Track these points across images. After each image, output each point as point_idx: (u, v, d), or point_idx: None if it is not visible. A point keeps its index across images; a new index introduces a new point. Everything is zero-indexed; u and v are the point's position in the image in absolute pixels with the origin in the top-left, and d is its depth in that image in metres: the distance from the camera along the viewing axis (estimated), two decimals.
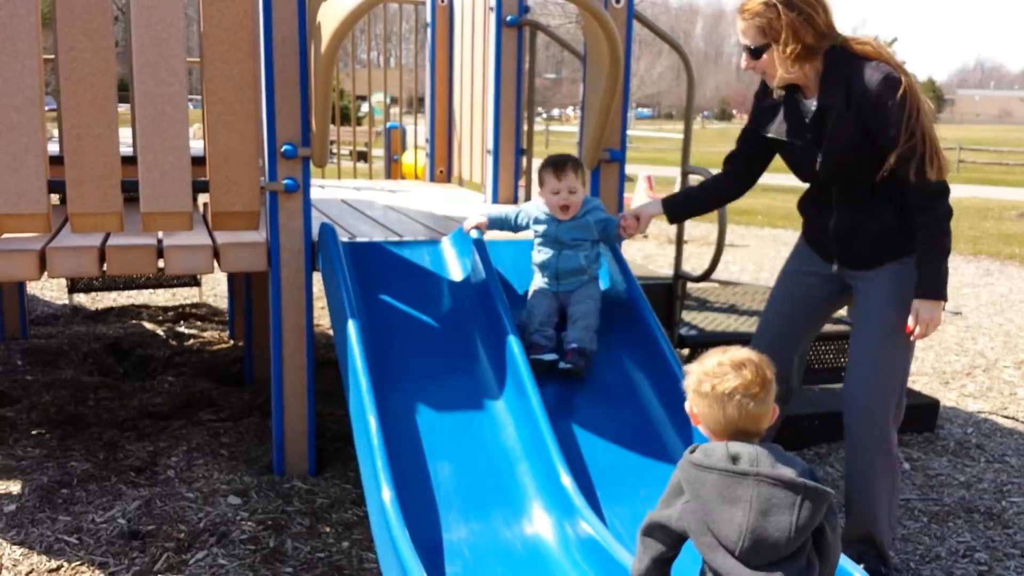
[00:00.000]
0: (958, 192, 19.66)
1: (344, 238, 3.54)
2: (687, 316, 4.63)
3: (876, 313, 2.90)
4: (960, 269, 9.56)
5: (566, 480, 2.70)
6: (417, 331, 3.24)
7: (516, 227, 3.37)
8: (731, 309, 4.98)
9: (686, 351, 4.39)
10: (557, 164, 3.18)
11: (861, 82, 2.70)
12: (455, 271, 3.45)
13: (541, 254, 3.28)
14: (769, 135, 3.01)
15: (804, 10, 2.69)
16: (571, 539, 2.61)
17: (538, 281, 3.29)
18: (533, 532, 2.68)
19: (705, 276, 4.31)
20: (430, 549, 2.53)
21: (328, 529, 3.16)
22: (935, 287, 2.75)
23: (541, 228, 3.27)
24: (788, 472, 1.78)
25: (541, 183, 3.24)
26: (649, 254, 9.87)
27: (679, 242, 4.53)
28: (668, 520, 1.87)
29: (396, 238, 3.73)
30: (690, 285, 5.53)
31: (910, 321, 2.78)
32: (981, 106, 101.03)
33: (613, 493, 2.92)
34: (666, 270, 4.43)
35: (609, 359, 3.32)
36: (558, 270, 3.23)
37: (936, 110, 64.62)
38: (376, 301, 3.28)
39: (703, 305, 5.06)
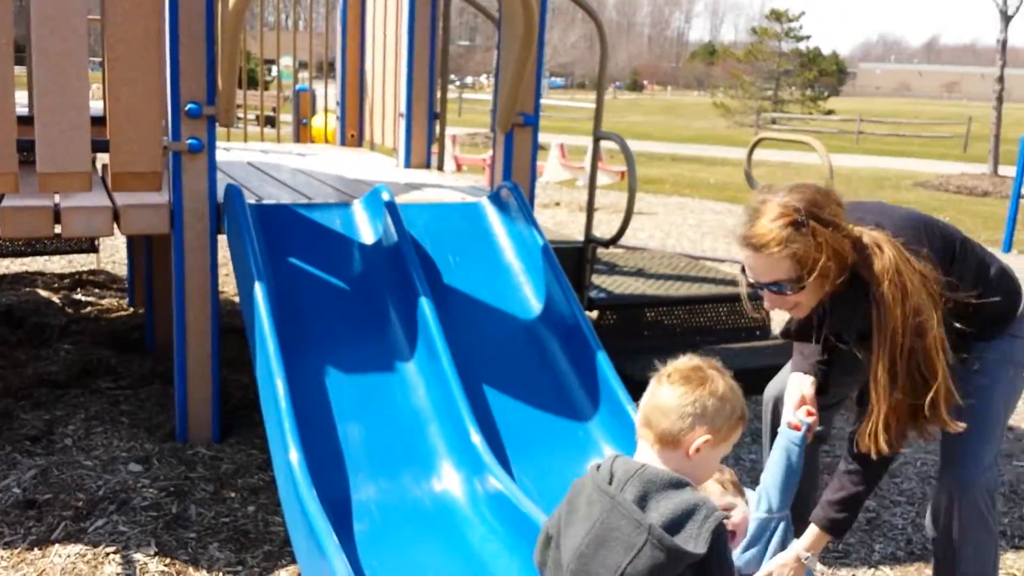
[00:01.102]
0: (857, 163, 20.36)
1: (251, 200, 3.47)
2: (597, 280, 4.71)
3: None
4: None
5: (476, 438, 2.73)
6: (327, 295, 3.20)
7: None
8: (639, 273, 5.08)
9: (595, 313, 4.46)
10: None
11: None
12: (366, 234, 3.42)
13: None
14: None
15: (826, 213, 2.02)
16: (480, 495, 2.64)
17: None
18: (442, 489, 2.70)
19: (614, 240, 4.39)
20: (338, 509, 2.53)
21: (233, 494, 3.12)
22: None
23: None
24: (654, 511, 1.56)
25: None
26: (560, 220, 9.95)
27: (590, 208, 4.59)
28: (546, 522, 1.79)
29: (305, 201, 3.67)
30: (600, 250, 5.64)
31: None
32: (882, 79, 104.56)
33: (522, 451, 2.97)
34: (578, 236, 4.48)
35: (520, 321, 3.35)
36: None
37: (838, 83, 66.24)
38: (284, 264, 3.22)
39: (612, 269, 5.14)
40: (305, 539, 2.30)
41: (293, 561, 2.67)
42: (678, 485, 1.59)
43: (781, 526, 2.27)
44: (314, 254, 3.26)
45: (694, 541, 1.53)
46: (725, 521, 2.23)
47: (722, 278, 5.12)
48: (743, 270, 2.15)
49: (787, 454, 2.28)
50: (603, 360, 3.14)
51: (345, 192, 4.02)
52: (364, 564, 2.43)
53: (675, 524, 1.54)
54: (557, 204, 11.40)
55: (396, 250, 3.23)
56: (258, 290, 2.89)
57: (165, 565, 2.71)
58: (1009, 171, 11.03)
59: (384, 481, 2.70)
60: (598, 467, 1.69)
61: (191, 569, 2.71)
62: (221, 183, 3.45)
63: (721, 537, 1.56)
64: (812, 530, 2.21)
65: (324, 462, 2.63)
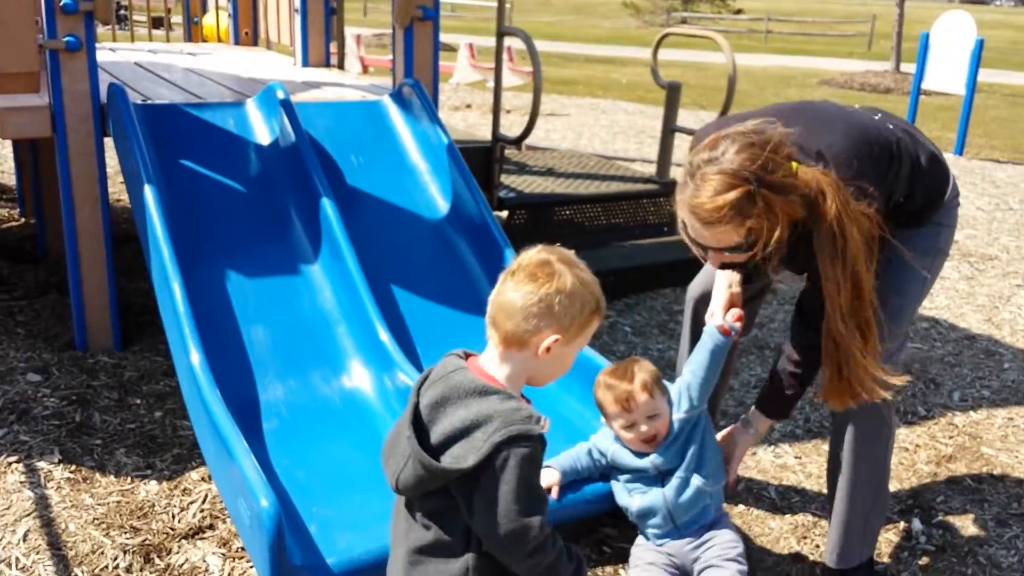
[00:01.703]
0: (765, 61, 20.47)
1: (138, 101, 3.31)
2: (506, 179, 4.69)
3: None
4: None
5: (384, 336, 2.74)
6: (223, 198, 3.12)
7: (595, 469, 2.42)
8: (549, 172, 5.09)
9: (504, 213, 4.47)
10: (616, 390, 2.25)
11: None
12: (262, 134, 3.32)
13: (636, 495, 2.32)
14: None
15: (777, 177, 1.88)
16: (390, 390, 2.67)
17: (645, 558, 2.29)
18: (352, 387, 2.72)
19: (521, 139, 4.36)
20: (245, 409, 2.52)
21: (139, 401, 3.08)
22: None
23: (631, 462, 2.33)
24: (444, 420, 1.49)
25: (600, 408, 2.32)
26: (473, 123, 9.83)
27: (496, 107, 4.53)
28: None
29: (196, 101, 3.52)
30: (510, 151, 5.60)
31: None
32: None
33: (432, 349, 2.99)
34: (488, 136, 4.42)
35: (427, 221, 3.33)
36: (671, 512, 2.28)
37: None
38: (176, 167, 3.11)
39: (522, 169, 5.13)
40: (212, 440, 2.29)
41: (203, 463, 2.66)
42: (483, 393, 1.49)
43: (702, 421, 2.34)
44: (207, 156, 3.16)
45: (469, 456, 1.44)
46: (625, 434, 2.26)
47: (632, 176, 5.17)
48: (683, 226, 1.99)
49: (712, 356, 2.31)
50: (511, 257, 3.16)
51: (239, 92, 3.87)
52: (274, 462, 2.44)
53: (460, 434, 1.46)
54: (468, 106, 11.24)
55: (294, 150, 3.15)
56: (148, 193, 2.79)
57: (71, 472, 2.67)
58: (911, 68, 11.29)
59: (292, 381, 2.70)
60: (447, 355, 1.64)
61: (98, 475, 2.68)
62: (105, 84, 3.28)
63: (504, 452, 1.43)
64: (760, 419, 2.29)
65: (228, 364, 2.61)
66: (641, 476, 2.31)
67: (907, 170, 2.12)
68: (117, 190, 5.20)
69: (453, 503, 1.51)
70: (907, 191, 2.15)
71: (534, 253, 1.57)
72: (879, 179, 2.05)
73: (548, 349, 1.54)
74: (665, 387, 2.33)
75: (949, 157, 8.62)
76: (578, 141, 9.21)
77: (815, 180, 1.91)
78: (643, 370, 2.27)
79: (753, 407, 2.38)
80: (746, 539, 2.62)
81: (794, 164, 1.91)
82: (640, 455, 2.30)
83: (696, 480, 2.26)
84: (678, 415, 2.31)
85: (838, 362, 2.03)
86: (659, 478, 2.29)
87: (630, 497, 2.31)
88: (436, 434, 1.50)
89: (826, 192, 1.91)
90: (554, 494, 2.31)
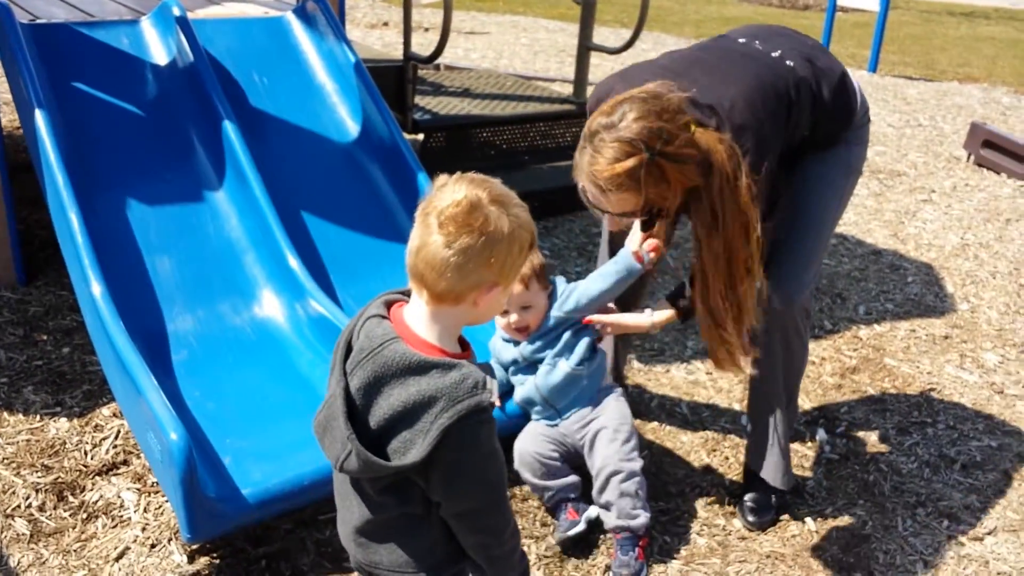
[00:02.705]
0: None
1: (24, 20, 3.12)
2: (422, 101, 4.59)
3: None
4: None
5: (294, 263, 2.69)
6: (121, 122, 2.98)
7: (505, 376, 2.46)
8: (465, 93, 4.99)
9: (420, 135, 4.39)
10: None
11: None
12: (159, 54, 3.16)
13: (518, 385, 2.41)
14: None
15: (674, 147, 1.86)
16: (302, 319, 2.63)
17: (533, 429, 2.38)
18: (263, 316, 2.68)
19: (432, 57, 4.24)
20: (153, 342, 2.47)
21: (45, 337, 2.98)
22: None
23: (507, 354, 2.40)
24: (382, 403, 1.34)
25: None
26: (390, 42, 9.56)
27: (406, 23, 4.40)
28: None
29: (87, 19, 3.33)
30: (427, 72, 5.48)
31: None
32: None
33: (346, 275, 2.95)
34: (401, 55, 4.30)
35: (336, 144, 3.25)
36: (545, 397, 2.35)
37: None
38: (69, 90, 2.95)
39: (438, 90, 5.02)
40: (118, 374, 2.24)
41: (114, 399, 2.60)
42: (419, 370, 1.33)
43: (584, 333, 2.33)
44: (102, 78, 3.00)
45: (417, 442, 1.31)
46: (515, 320, 2.26)
47: (549, 96, 5.11)
48: (582, 190, 1.97)
49: (618, 279, 2.29)
50: (424, 181, 3.11)
51: (133, 8, 3.67)
52: (185, 395, 2.40)
53: (402, 418, 1.32)
54: (385, 24, 10.91)
55: (193, 71, 3.02)
56: (39, 119, 2.65)
57: None
58: None
59: (201, 311, 2.64)
60: (359, 319, 1.43)
61: (6, 414, 2.60)
62: None
63: (456, 433, 1.31)
64: (667, 310, 2.26)
65: (133, 296, 2.54)
66: (519, 367, 2.38)
67: (807, 109, 2.13)
68: (15, 118, 4.94)
69: (409, 480, 1.37)
70: (811, 125, 2.16)
71: (459, 194, 1.34)
72: (775, 129, 2.05)
73: (487, 299, 1.39)
74: (551, 281, 2.34)
75: (863, 75, 8.76)
76: (498, 60, 9.05)
77: (709, 146, 1.91)
78: (528, 261, 2.10)
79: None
80: (660, 452, 2.70)
81: (693, 127, 1.90)
82: (513, 343, 2.36)
83: (564, 365, 2.30)
84: (558, 312, 2.31)
85: (719, 334, 2.06)
86: (532, 367, 2.35)
87: (516, 389, 2.40)
88: (374, 418, 1.34)
89: (715, 163, 1.90)
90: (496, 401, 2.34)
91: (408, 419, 1.32)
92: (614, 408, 2.35)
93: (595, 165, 1.87)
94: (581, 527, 2.26)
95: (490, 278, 1.36)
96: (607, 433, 2.28)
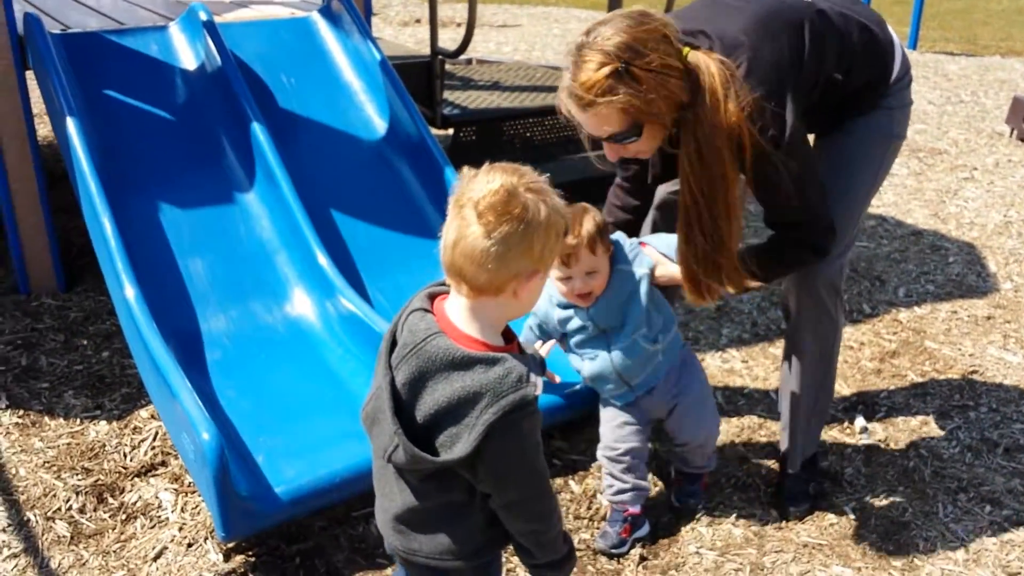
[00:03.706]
0: None
1: (55, 30, 3.18)
2: (451, 96, 4.59)
3: None
4: None
5: (324, 261, 2.72)
6: (151, 128, 3.02)
7: (548, 335, 2.33)
8: (495, 86, 4.98)
9: (450, 130, 4.39)
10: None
11: None
12: (187, 59, 3.20)
13: (587, 360, 2.26)
14: None
15: (652, 56, 1.81)
16: (333, 317, 2.65)
17: (620, 418, 2.29)
18: (295, 315, 2.70)
19: (459, 52, 4.24)
20: (187, 342, 2.51)
21: (85, 342, 3.04)
22: None
23: (569, 320, 2.23)
24: (427, 398, 1.35)
25: None
26: (422, 39, 9.59)
27: (433, 17, 4.40)
28: None
29: (116, 26, 3.38)
30: (456, 67, 5.48)
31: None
32: None
33: (376, 272, 2.97)
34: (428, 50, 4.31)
35: (364, 142, 3.27)
36: (620, 375, 2.24)
37: None
38: (100, 98, 3.01)
39: (468, 84, 5.02)
40: (152, 375, 2.28)
41: (151, 401, 2.65)
42: (464, 365, 1.33)
43: (644, 280, 2.19)
44: (132, 85, 3.05)
45: (463, 437, 1.32)
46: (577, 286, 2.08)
47: None
48: (568, 114, 1.93)
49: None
50: (452, 176, 3.12)
51: (162, 14, 3.72)
52: (219, 394, 2.44)
53: (447, 414, 1.33)
54: (418, 21, 10.94)
55: (221, 75, 3.05)
56: (71, 126, 2.70)
57: (19, 417, 2.65)
58: None
59: (234, 311, 2.67)
60: (401, 316, 1.44)
61: (47, 418, 2.66)
62: (20, 14, 3.14)
63: (501, 428, 1.31)
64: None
65: (167, 298, 2.58)
66: (589, 340, 2.23)
67: (834, 47, 2.04)
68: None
69: (452, 469, 1.38)
70: (842, 67, 2.06)
71: (495, 183, 1.31)
72: (777, 53, 1.94)
73: (527, 288, 1.38)
74: (612, 242, 2.18)
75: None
76: (531, 53, 9.02)
77: (698, 64, 1.86)
78: (591, 222, 2.08)
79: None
80: None
81: (685, 49, 1.87)
82: (574, 310, 2.20)
83: (642, 342, 2.18)
84: (626, 267, 2.17)
85: (695, 270, 2.02)
86: (604, 340, 2.21)
87: (581, 362, 2.27)
88: (420, 412, 1.36)
89: (704, 81, 1.85)
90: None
91: (454, 414, 1.33)
92: (695, 377, 2.31)
93: (575, 79, 1.84)
94: (625, 549, 2.23)
95: (530, 266, 1.35)
96: (695, 408, 2.29)
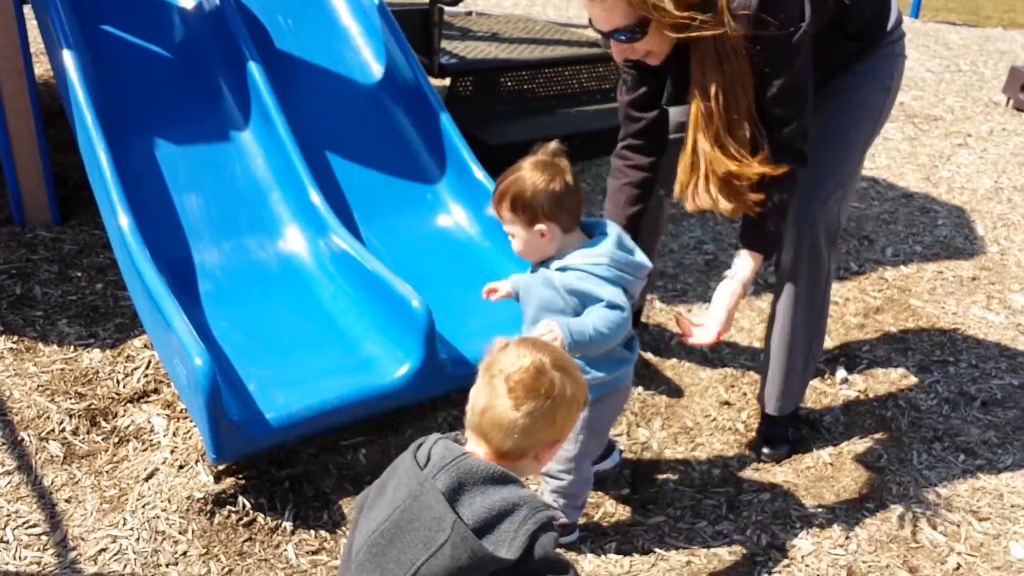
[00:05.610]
0: None
1: None
2: (450, 46, 4.58)
3: None
4: None
5: (317, 200, 2.74)
6: (148, 65, 3.03)
7: None
8: (494, 38, 4.97)
9: (447, 80, 4.39)
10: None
11: None
12: None
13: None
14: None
15: None
16: (325, 254, 2.68)
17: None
18: (287, 251, 2.73)
19: (457, 0, 4.23)
20: (180, 273, 2.54)
21: (79, 274, 3.07)
22: None
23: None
24: (466, 507, 1.36)
25: None
26: None
27: None
28: (360, 496, 1.53)
29: None
30: (456, 18, 5.45)
31: None
32: None
33: (369, 213, 3.00)
34: None
35: (360, 86, 3.28)
36: None
37: None
38: (98, 33, 3.01)
39: (466, 35, 5.01)
40: (146, 302, 2.31)
41: (145, 332, 2.68)
42: (500, 481, 1.38)
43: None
44: (130, 21, 3.04)
45: (506, 546, 1.35)
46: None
47: (579, 40, 5.07)
48: (591, 22, 1.98)
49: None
50: (447, 123, 3.14)
51: None
52: (212, 325, 2.47)
53: (488, 524, 1.36)
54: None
55: (219, 13, 3.05)
56: (68, 60, 2.70)
57: (13, 342, 2.69)
58: None
59: (227, 246, 2.70)
60: (420, 446, 1.46)
61: (40, 344, 2.70)
62: None
63: (541, 540, 1.37)
64: (749, 261, 2.10)
65: (161, 231, 2.61)
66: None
67: None
68: (49, 67, 5.02)
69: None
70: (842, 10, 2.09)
71: (525, 360, 1.41)
72: None
73: (548, 455, 1.48)
74: (587, 225, 1.96)
75: (904, 21, 8.54)
76: (531, 8, 8.96)
77: None
78: (514, 183, 1.85)
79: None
80: (678, 388, 2.73)
81: None
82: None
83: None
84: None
85: (700, 174, 2.02)
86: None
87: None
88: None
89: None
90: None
91: (488, 527, 1.36)
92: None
93: None
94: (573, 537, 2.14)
95: (552, 436, 1.45)
96: None
